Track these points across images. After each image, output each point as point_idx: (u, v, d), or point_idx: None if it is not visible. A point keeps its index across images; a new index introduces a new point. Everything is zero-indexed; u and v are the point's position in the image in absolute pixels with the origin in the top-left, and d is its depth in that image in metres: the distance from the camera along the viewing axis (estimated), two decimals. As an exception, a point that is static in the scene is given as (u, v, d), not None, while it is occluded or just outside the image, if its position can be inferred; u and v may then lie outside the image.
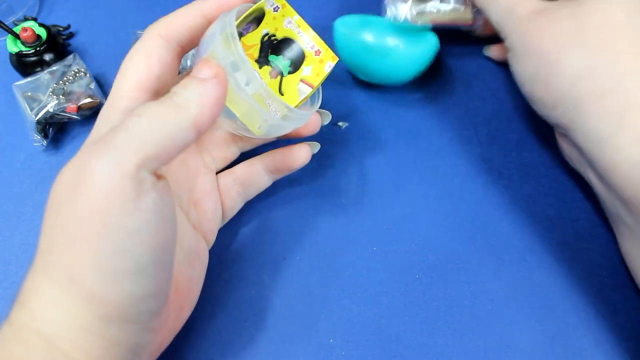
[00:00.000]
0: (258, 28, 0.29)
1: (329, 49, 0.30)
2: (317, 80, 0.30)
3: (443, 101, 0.39)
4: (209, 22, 0.26)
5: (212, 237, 0.31)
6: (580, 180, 0.33)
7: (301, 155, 0.32)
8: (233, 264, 0.33)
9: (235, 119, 0.26)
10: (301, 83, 0.30)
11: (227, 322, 0.31)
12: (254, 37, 0.29)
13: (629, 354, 0.29)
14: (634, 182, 0.26)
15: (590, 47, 0.27)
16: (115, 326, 0.21)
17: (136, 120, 0.21)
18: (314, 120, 0.31)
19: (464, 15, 0.37)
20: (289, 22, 0.30)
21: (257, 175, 0.32)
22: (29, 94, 0.37)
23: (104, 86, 0.40)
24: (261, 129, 0.27)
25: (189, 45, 0.27)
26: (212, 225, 0.31)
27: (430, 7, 0.37)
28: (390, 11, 0.37)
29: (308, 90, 0.30)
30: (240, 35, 0.29)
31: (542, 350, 0.30)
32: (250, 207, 0.34)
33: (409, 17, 0.37)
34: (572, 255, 0.32)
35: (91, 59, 0.41)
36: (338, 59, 0.30)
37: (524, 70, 0.30)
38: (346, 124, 0.38)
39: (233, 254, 0.33)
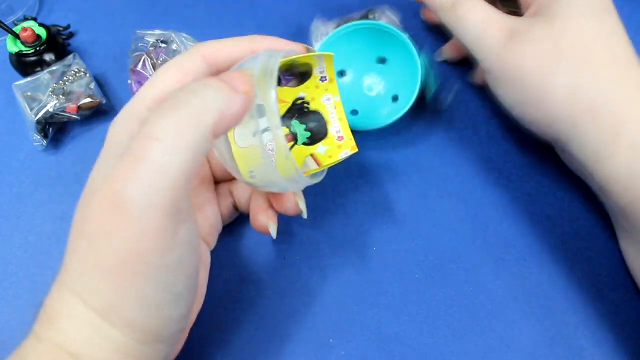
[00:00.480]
0: (297, 87, 0.28)
1: (352, 139, 0.30)
2: (328, 161, 0.29)
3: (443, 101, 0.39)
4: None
5: (213, 241, 0.31)
6: (580, 180, 0.33)
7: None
8: (233, 264, 0.33)
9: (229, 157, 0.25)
10: (310, 157, 0.29)
11: (227, 322, 0.31)
12: (289, 94, 0.29)
13: (629, 354, 0.29)
14: (630, 191, 0.27)
15: (572, 66, 0.27)
16: (150, 347, 0.22)
17: (157, 146, 0.20)
18: (295, 205, 0.29)
19: None
20: (328, 99, 0.29)
21: (246, 200, 0.31)
22: (29, 94, 0.37)
23: (104, 86, 0.40)
24: (253, 177, 0.25)
25: None
26: (213, 231, 0.31)
27: None
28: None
29: (314, 167, 0.29)
30: (279, 81, 0.28)
31: (542, 350, 0.30)
32: (250, 207, 0.34)
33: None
34: (572, 255, 0.32)
35: (91, 59, 0.41)
36: (357, 149, 0.29)
37: (510, 96, 0.30)
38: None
39: (233, 254, 0.33)
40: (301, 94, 0.29)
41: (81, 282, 0.21)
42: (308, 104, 0.29)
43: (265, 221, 0.29)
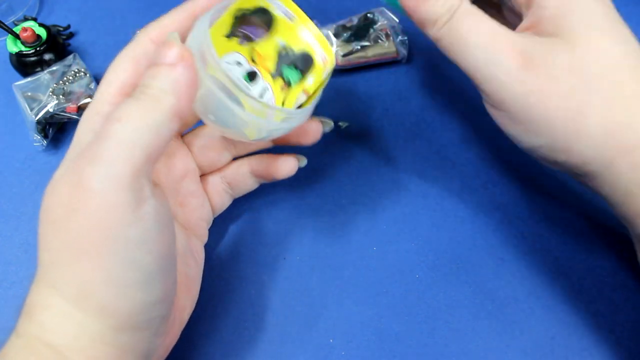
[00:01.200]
0: (270, 36, 0.28)
1: (333, 54, 0.29)
2: (313, 88, 0.29)
3: (443, 101, 0.39)
4: None
5: (204, 234, 0.31)
6: (580, 180, 0.33)
7: (285, 166, 0.31)
8: (233, 264, 0.33)
9: (230, 128, 0.25)
10: (301, 92, 0.29)
11: (227, 322, 0.31)
12: (268, 47, 0.29)
13: (629, 354, 0.29)
14: None
15: (602, 102, 0.24)
16: (127, 334, 0.22)
17: (118, 126, 0.21)
18: (315, 128, 0.30)
19: (388, 49, 0.40)
20: (306, 34, 0.29)
21: (243, 177, 0.32)
22: (29, 94, 0.37)
23: (104, 86, 0.40)
24: (259, 135, 0.26)
25: None
26: (201, 223, 0.31)
27: (355, 47, 0.39)
28: None
29: (304, 99, 0.29)
30: (249, 38, 0.28)
31: (542, 350, 0.30)
32: (250, 207, 0.34)
33: (337, 61, 0.39)
34: (572, 255, 0.33)
35: (91, 59, 0.41)
36: (335, 64, 0.29)
37: (532, 139, 0.26)
38: (346, 124, 0.38)
39: (233, 254, 0.33)
40: (280, 43, 0.29)
41: (53, 271, 0.21)
42: (292, 49, 0.29)
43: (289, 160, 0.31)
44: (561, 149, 0.25)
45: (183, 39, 0.25)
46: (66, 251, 0.21)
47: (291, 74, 0.29)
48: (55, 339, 0.21)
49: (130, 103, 0.21)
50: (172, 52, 0.22)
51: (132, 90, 0.23)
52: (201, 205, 0.31)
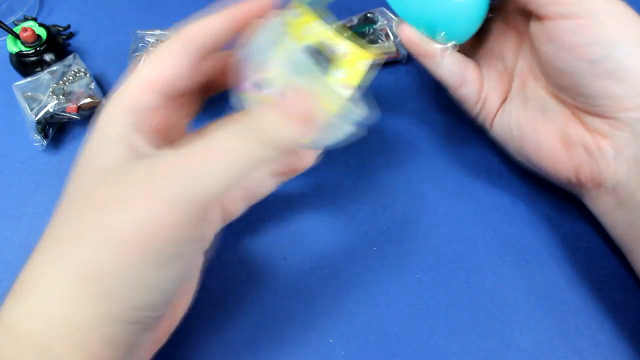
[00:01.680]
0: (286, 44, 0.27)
1: (362, 47, 0.29)
2: (356, 79, 0.28)
3: (443, 101, 0.39)
4: (236, 29, 0.26)
5: (210, 242, 0.30)
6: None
7: (308, 155, 0.31)
8: (233, 264, 0.33)
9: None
10: (337, 84, 0.29)
11: (227, 322, 0.31)
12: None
13: (629, 354, 0.29)
14: None
15: None
16: (118, 326, 0.21)
17: (219, 157, 0.21)
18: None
19: (388, 49, 0.39)
20: (320, 26, 0.28)
21: (262, 178, 0.31)
22: (29, 94, 0.37)
23: (104, 86, 0.40)
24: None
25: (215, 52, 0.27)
26: (212, 230, 0.30)
27: None
28: None
29: (349, 92, 0.29)
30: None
31: (542, 350, 0.30)
32: (250, 207, 0.34)
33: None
34: (572, 255, 0.33)
35: (91, 59, 0.41)
36: (371, 55, 0.29)
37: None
38: (346, 124, 0.38)
39: (233, 254, 0.33)
40: (303, 46, 0.28)
41: (67, 248, 0.21)
42: (316, 46, 0.28)
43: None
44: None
45: (218, 47, 0.26)
46: (95, 239, 0.20)
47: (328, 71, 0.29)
48: (39, 325, 0.20)
49: (236, 136, 0.21)
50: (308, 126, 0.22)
51: (159, 87, 0.24)
52: (216, 212, 0.30)
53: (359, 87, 0.28)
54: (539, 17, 0.29)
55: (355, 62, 0.29)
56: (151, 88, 0.24)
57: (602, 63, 0.27)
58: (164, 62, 0.25)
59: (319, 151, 0.31)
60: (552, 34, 0.28)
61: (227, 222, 0.32)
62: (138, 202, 0.20)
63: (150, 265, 0.21)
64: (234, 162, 0.21)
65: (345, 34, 0.28)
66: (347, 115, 0.25)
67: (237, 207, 0.31)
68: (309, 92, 0.22)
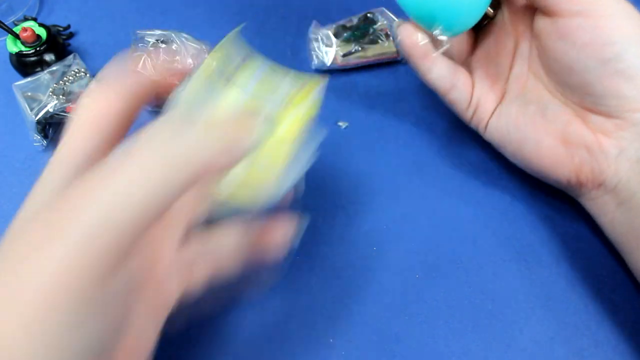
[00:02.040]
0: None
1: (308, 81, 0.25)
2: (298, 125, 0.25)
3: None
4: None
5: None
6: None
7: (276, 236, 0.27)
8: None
9: None
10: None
11: (227, 321, 0.31)
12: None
13: (629, 354, 0.29)
14: None
15: None
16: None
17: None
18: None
19: (388, 49, 0.39)
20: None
21: (231, 250, 0.26)
22: (29, 94, 0.37)
23: (104, 86, 0.40)
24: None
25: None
26: (162, 315, 0.24)
27: (355, 47, 0.39)
28: (316, 57, 0.38)
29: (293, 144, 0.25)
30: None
31: (542, 350, 0.30)
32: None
33: (337, 61, 0.39)
34: (572, 255, 0.33)
35: (91, 59, 0.41)
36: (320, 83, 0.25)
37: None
38: (346, 124, 0.38)
39: (233, 254, 0.33)
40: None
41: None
42: None
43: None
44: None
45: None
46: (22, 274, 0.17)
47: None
48: None
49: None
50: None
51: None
52: (175, 290, 0.25)
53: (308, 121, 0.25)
54: (549, 14, 0.28)
55: (306, 94, 0.25)
56: (93, 130, 0.22)
57: (613, 63, 0.27)
58: (100, 105, 0.23)
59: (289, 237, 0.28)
60: (563, 32, 0.28)
61: (188, 293, 0.26)
62: (45, 250, 0.17)
63: (59, 324, 0.17)
64: (149, 183, 0.18)
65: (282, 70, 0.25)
66: (300, 156, 0.23)
67: (200, 274, 0.26)
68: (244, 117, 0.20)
